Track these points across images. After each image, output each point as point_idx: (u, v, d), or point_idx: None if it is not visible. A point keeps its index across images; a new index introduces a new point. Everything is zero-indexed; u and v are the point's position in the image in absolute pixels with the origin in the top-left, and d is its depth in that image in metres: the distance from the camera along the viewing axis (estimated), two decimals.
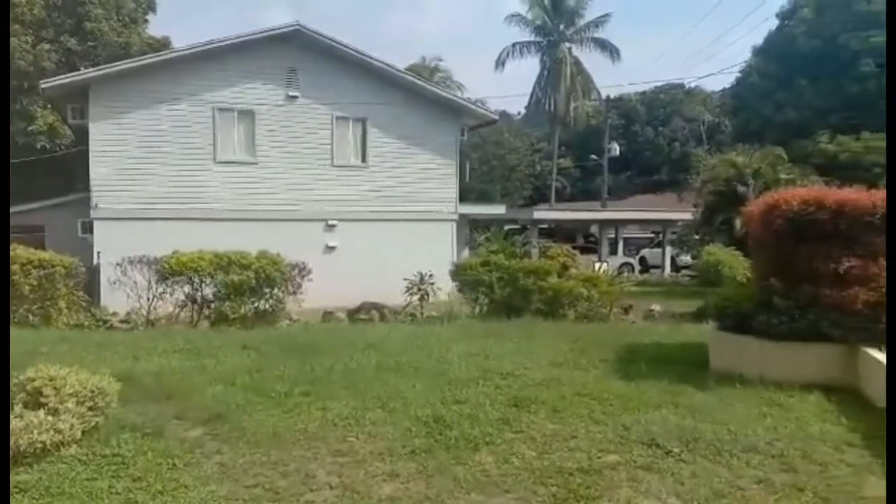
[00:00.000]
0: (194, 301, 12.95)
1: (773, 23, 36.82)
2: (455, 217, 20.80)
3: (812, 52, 33.03)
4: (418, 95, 20.72)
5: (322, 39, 19.25)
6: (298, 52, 19.25)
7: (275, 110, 19.10)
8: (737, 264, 16.85)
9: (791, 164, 23.72)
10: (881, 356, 6.51)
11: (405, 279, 14.25)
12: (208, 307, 12.92)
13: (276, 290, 13.07)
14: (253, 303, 12.92)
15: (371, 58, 19.74)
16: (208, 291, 12.93)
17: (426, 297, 14.27)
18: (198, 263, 12.71)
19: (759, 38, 38.17)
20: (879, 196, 7.04)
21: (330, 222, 19.39)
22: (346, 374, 7.44)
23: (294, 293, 13.21)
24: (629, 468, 4.75)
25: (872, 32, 32.02)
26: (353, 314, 14.15)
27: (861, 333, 6.86)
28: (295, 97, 19.24)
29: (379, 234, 19.24)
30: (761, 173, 21.19)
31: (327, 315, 14.03)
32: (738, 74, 38.77)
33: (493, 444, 5.22)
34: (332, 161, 19.68)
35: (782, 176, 20.52)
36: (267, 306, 13.06)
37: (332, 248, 19.13)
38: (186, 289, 12.88)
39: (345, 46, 19.47)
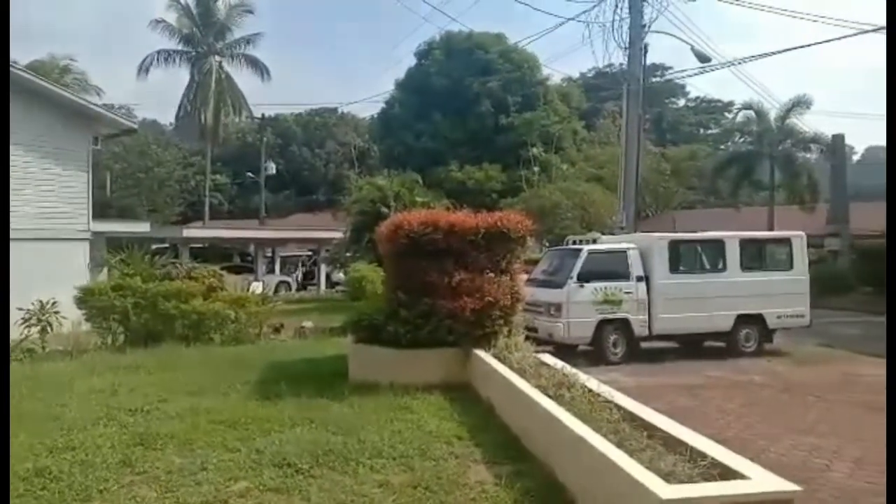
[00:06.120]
0: None
1: (413, 60, 40.86)
2: (87, 236, 18.49)
3: (443, 90, 37.56)
4: (38, 96, 17.94)
5: None
6: None
7: None
8: (378, 279, 18.08)
9: (427, 188, 26.43)
10: (485, 356, 7.58)
11: (20, 309, 12.22)
12: None
13: None
14: None
15: None
16: None
17: (49, 328, 12.43)
18: None
19: (401, 73, 41.87)
20: (481, 219, 8.22)
21: None
22: None
23: None
24: (258, 493, 4.68)
25: (489, 78, 37.76)
26: None
27: (470, 337, 7.89)
28: None
29: None
30: (401, 196, 23.11)
31: None
32: (384, 105, 42.07)
33: (108, 491, 4.70)
34: None
35: (418, 199, 22.61)
36: None
37: None
38: None
39: None
